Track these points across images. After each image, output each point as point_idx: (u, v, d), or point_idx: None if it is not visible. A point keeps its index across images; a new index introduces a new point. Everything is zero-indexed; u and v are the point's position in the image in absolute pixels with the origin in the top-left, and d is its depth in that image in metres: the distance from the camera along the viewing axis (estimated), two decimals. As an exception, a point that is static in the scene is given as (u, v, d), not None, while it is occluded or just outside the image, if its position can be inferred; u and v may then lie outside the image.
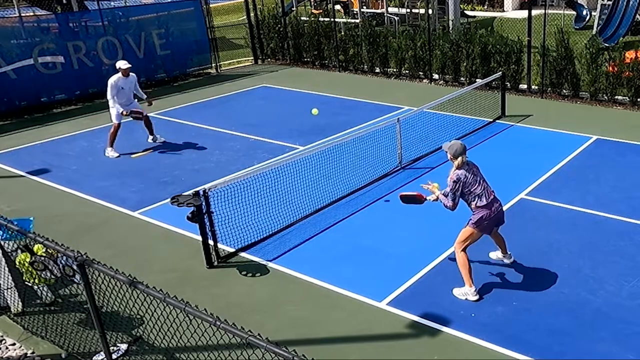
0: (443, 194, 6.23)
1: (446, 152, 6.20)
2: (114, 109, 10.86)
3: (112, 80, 10.72)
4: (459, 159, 6.10)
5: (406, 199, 6.83)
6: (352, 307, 6.30)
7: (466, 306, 6.18)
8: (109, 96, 10.78)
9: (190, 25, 17.11)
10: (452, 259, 6.74)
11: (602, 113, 12.35)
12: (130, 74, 10.91)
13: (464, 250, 6.24)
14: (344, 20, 19.79)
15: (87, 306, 5.35)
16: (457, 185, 6.05)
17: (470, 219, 6.21)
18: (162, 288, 4.29)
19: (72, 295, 6.56)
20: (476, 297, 6.26)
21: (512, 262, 6.88)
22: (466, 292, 6.29)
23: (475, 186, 6.10)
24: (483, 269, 6.79)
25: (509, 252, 6.89)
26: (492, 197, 6.19)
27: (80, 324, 6.17)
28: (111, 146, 11.01)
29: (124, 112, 10.85)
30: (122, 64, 10.75)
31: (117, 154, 10.98)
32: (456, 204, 6.14)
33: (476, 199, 6.11)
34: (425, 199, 6.57)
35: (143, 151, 11.17)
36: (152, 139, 11.54)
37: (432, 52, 15.05)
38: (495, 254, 6.97)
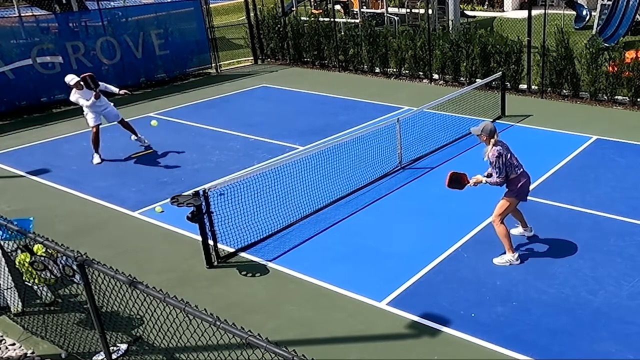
0: (485, 176, 6.79)
1: (479, 135, 6.67)
2: (88, 115, 10.57)
3: (72, 98, 10.52)
4: (495, 137, 6.59)
5: (454, 180, 7.06)
6: (352, 307, 6.29)
7: (466, 306, 6.18)
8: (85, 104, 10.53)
9: (190, 25, 17.11)
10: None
11: (602, 113, 12.35)
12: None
13: (502, 221, 6.76)
14: (344, 20, 19.77)
15: (87, 306, 5.34)
16: (501, 159, 6.53)
17: (509, 190, 6.71)
18: (162, 288, 4.29)
19: (72, 295, 6.56)
20: (518, 261, 6.86)
21: (531, 236, 7.41)
22: (509, 259, 6.85)
23: (512, 158, 6.66)
24: (483, 269, 6.80)
25: (529, 226, 7.42)
26: (522, 166, 6.75)
27: (80, 324, 6.17)
28: (96, 152, 10.67)
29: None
30: (67, 80, 10.48)
31: (100, 160, 10.65)
32: (504, 177, 6.61)
33: (514, 169, 6.64)
34: (468, 183, 6.98)
35: (143, 151, 11.16)
36: (137, 139, 11.25)
37: (432, 52, 15.04)
38: (517, 230, 7.39)
